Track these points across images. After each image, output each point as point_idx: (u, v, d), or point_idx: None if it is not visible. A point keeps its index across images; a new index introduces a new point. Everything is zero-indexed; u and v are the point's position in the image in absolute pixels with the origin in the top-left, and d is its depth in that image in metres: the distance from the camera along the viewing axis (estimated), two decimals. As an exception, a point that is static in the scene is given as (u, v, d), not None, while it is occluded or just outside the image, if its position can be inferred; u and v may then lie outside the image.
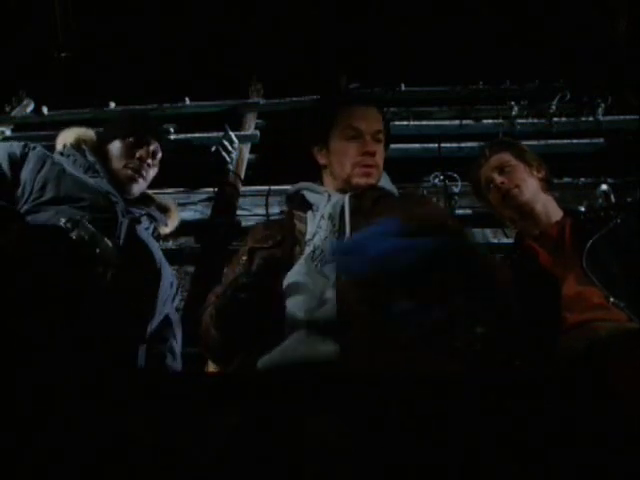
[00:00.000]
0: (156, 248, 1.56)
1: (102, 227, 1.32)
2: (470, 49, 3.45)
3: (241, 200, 3.09)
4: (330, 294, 1.05)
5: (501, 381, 0.83)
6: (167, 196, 2.09)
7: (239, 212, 3.00)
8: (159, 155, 1.67)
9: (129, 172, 1.58)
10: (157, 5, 3.57)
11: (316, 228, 1.22)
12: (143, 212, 1.60)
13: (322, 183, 1.41)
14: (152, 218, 1.64)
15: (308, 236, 1.22)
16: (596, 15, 3.34)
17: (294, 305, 1.06)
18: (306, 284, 1.08)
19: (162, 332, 1.54)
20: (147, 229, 1.59)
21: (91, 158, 1.54)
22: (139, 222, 1.53)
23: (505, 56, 3.41)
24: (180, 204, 2.95)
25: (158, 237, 1.67)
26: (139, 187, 1.61)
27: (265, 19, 3.61)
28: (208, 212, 3.08)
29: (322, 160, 1.39)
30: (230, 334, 1.10)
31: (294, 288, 1.09)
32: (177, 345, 1.59)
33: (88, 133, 1.67)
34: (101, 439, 0.75)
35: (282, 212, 1.47)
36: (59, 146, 1.61)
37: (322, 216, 1.25)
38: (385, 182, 1.41)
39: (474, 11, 3.45)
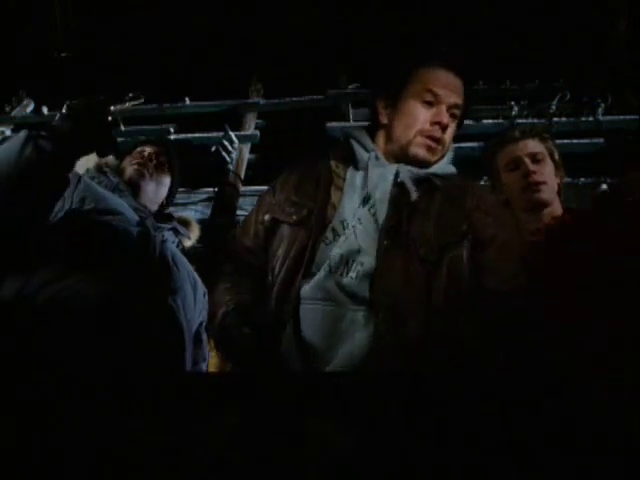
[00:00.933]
0: (185, 260, 1.59)
1: (137, 241, 1.37)
2: (470, 49, 3.45)
3: (241, 200, 3.09)
4: (353, 324, 1.01)
5: (501, 381, 0.83)
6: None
7: (239, 212, 3.01)
8: (164, 158, 1.71)
9: (135, 167, 1.65)
10: (157, 5, 3.57)
11: (352, 214, 1.11)
12: (169, 227, 1.65)
13: (373, 141, 1.26)
14: (177, 232, 1.69)
15: (343, 216, 1.11)
16: (596, 15, 3.33)
17: (312, 333, 1.01)
18: (325, 307, 1.03)
19: (197, 339, 1.59)
20: (173, 242, 1.64)
21: (114, 179, 1.60)
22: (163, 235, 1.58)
23: (505, 56, 3.40)
24: (180, 204, 2.95)
25: (182, 250, 1.70)
26: (149, 186, 1.65)
27: (265, 19, 3.61)
28: (208, 212, 3.08)
29: (383, 118, 1.23)
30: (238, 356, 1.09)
31: (311, 310, 1.03)
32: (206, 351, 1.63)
33: (109, 157, 1.72)
34: (102, 439, 0.75)
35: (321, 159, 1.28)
36: (81, 171, 1.66)
37: (361, 202, 1.13)
38: (445, 164, 1.24)
39: (474, 11, 3.45)
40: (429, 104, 1.18)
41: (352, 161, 1.21)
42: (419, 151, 1.17)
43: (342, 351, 0.99)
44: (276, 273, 1.11)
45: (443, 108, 1.19)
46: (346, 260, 1.06)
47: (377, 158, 1.18)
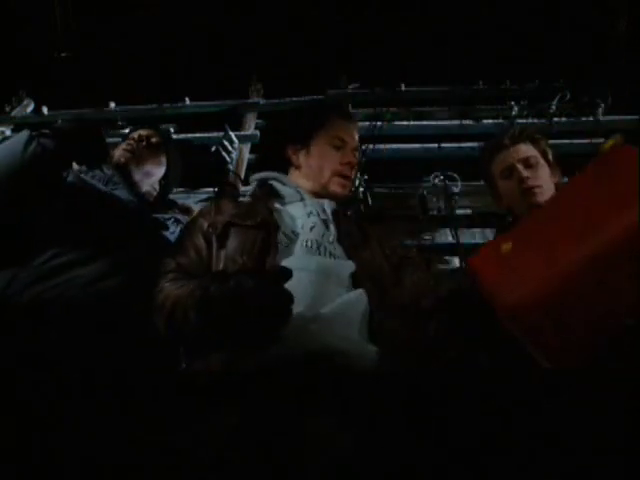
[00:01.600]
0: None
1: (128, 235, 1.36)
2: (470, 49, 3.45)
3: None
4: (336, 290, 1.05)
5: (502, 381, 0.83)
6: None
7: (239, 212, 3.00)
8: (156, 140, 1.68)
9: (121, 151, 1.63)
10: (157, 5, 3.57)
11: (303, 222, 1.22)
12: (168, 216, 1.63)
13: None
14: (178, 221, 1.67)
15: (292, 227, 1.20)
16: (596, 15, 3.34)
17: (298, 293, 0.98)
18: (307, 277, 1.05)
19: None
20: (173, 233, 1.61)
21: (108, 171, 1.57)
22: (166, 228, 1.55)
23: (505, 56, 3.41)
24: (180, 204, 2.95)
25: None
26: (139, 166, 1.61)
27: (265, 19, 3.61)
28: (208, 212, 3.08)
29: (297, 160, 1.41)
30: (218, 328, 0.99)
31: (295, 282, 1.01)
32: None
33: None
34: (102, 438, 0.75)
35: (252, 197, 1.42)
36: (76, 165, 1.65)
37: (310, 213, 1.25)
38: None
39: (474, 11, 3.45)
40: (337, 148, 1.38)
41: (276, 198, 1.33)
42: (336, 189, 1.35)
43: (333, 305, 1.02)
44: (244, 260, 1.11)
45: (349, 150, 1.39)
46: (317, 245, 1.16)
47: (302, 194, 1.34)
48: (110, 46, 3.64)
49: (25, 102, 3.76)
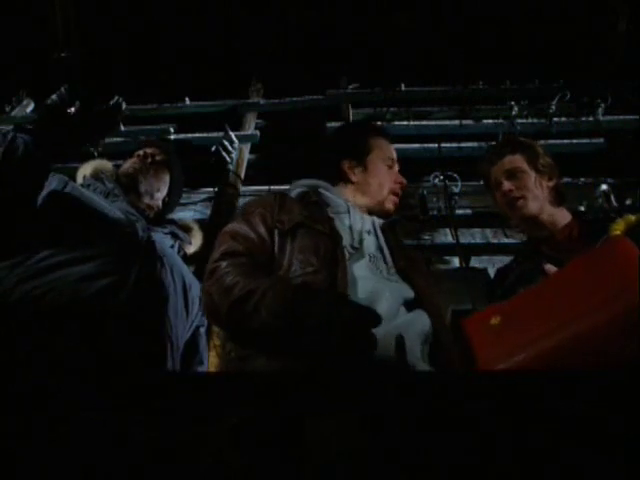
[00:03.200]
0: (180, 263, 1.58)
1: (122, 242, 1.37)
2: (471, 49, 3.46)
3: (241, 200, 3.09)
4: (399, 310, 1.14)
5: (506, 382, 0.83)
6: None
7: (239, 212, 3.00)
8: (161, 157, 1.71)
9: (132, 162, 1.67)
10: (158, 5, 3.58)
11: (362, 237, 1.28)
12: (166, 230, 1.65)
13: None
14: (176, 237, 1.68)
15: (350, 240, 1.25)
16: (596, 15, 3.34)
17: (365, 294, 1.11)
18: (382, 292, 1.14)
19: (193, 343, 1.59)
20: (172, 247, 1.63)
21: (109, 184, 1.61)
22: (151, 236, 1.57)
23: (505, 56, 3.41)
24: (180, 204, 2.95)
25: (185, 257, 1.68)
26: (146, 179, 1.65)
27: (265, 19, 3.62)
28: (208, 212, 3.08)
29: (353, 176, 1.44)
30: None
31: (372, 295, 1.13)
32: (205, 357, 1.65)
33: (106, 164, 1.75)
34: (101, 439, 0.75)
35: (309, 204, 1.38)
36: (79, 179, 1.68)
37: (366, 231, 1.31)
38: None
39: (474, 11, 3.45)
40: (389, 167, 1.47)
41: (327, 207, 1.36)
42: (391, 206, 1.43)
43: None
44: (317, 264, 1.14)
45: (396, 170, 1.48)
46: (380, 270, 1.23)
47: (350, 207, 1.37)
48: (110, 46, 3.64)
49: (25, 102, 3.76)
